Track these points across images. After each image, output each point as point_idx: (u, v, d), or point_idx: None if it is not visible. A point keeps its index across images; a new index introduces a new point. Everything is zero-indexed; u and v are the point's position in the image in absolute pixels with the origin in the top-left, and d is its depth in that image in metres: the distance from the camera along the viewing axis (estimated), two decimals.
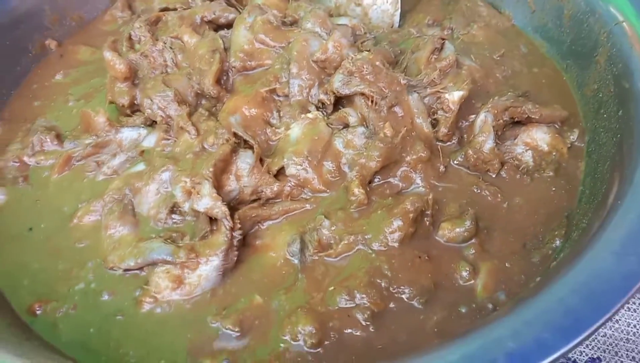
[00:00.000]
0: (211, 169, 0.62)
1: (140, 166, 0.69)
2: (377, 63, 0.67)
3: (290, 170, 0.65)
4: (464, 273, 0.57)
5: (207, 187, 0.61)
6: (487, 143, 0.65)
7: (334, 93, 0.68)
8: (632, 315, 0.65)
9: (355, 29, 0.81)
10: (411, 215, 0.59)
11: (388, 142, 0.63)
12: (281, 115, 0.71)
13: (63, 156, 0.72)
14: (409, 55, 0.75)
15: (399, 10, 0.89)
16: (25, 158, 0.73)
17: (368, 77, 0.66)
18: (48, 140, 0.74)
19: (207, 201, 0.60)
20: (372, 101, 0.66)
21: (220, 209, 0.59)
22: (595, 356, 0.64)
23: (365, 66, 0.66)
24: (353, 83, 0.66)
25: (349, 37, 0.75)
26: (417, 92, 0.69)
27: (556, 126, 0.70)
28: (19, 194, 0.70)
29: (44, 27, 0.88)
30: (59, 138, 0.75)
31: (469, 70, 0.73)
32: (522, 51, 0.82)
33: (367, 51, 0.70)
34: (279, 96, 0.71)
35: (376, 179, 0.65)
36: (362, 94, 0.66)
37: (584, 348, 0.64)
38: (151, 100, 0.71)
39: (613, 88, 0.64)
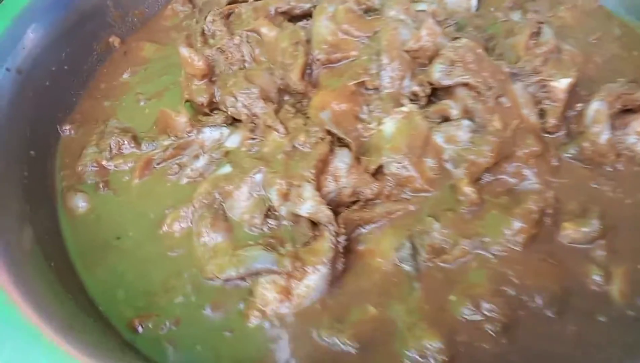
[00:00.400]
0: (313, 171, 0.58)
1: (227, 168, 0.66)
2: (479, 51, 0.63)
3: (390, 168, 0.61)
4: (596, 278, 0.53)
5: (310, 189, 0.57)
6: (603, 133, 0.61)
7: (432, 84, 0.64)
8: None
9: (436, 15, 0.77)
10: (534, 216, 0.54)
11: (500, 135, 0.59)
12: (371, 109, 0.66)
13: (143, 159, 0.69)
14: (502, 40, 0.70)
15: None
16: (104, 162, 0.70)
17: (471, 66, 0.62)
18: (125, 142, 0.71)
19: (310, 204, 0.56)
20: (477, 92, 0.61)
21: (324, 214, 0.56)
22: None
23: (468, 54, 0.61)
24: (456, 73, 0.61)
25: (437, 27, 0.71)
26: (521, 81, 0.64)
27: None
28: (101, 201, 0.67)
29: (108, 24, 0.84)
30: (136, 139, 0.71)
31: (570, 55, 0.68)
32: (615, 33, 0.77)
33: (464, 37, 0.65)
34: (368, 89, 0.67)
35: (485, 177, 0.61)
36: (466, 84, 0.62)
37: None
38: (235, 98, 0.67)
39: None
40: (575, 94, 0.66)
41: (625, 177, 0.61)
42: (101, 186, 0.68)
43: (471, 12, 0.83)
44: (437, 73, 0.62)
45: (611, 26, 0.78)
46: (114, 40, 0.85)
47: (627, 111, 0.65)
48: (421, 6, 0.78)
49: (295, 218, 0.59)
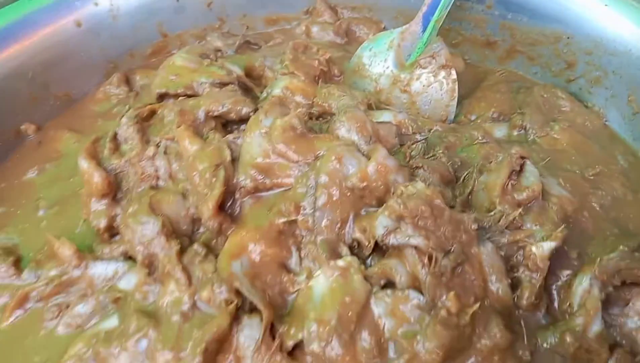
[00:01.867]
0: (199, 358, 0.44)
1: (113, 321, 0.52)
2: (438, 202, 0.49)
3: (313, 347, 0.46)
4: None
5: None
6: (593, 325, 0.46)
7: (375, 239, 0.50)
8: None
9: (402, 127, 0.64)
10: None
11: (453, 324, 0.44)
12: (302, 256, 0.53)
13: (19, 295, 0.55)
14: (476, 175, 0.57)
15: (456, 100, 0.71)
16: None
17: (424, 223, 0.48)
18: (3, 269, 0.57)
19: None
20: (429, 258, 0.47)
21: None
22: None
23: (421, 208, 0.48)
24: (403, 232, 0.47)
25: (394, 139, 0.58)
26: (491, 241, 0.50)
27: None
28: None
29: (24, 107, 0.72)
30: (18, 265, 0.58)
31: (559, 202, 0.54)
32: (621, 164, 0.63)
33: (422, 181, 0.51)
34: (299, 231, 0.53)
35: None
36: (416, 247, 0.47)
37: None
38: (132, 231, 0.53)
39: None
40: (562, 255, 0.52)
41: None
42: None
43: (446, 125, 0.70)
44: (381, 229, 0.48)
45: (615, 153, 0.64)
46: (28, 127, 0.73)
47: (629, 284, 0.50)
48: (385, 116, 0.65)
49: None
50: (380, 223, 0.48)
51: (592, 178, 0.60)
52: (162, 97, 0.69)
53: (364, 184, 0.52)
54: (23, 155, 0.72)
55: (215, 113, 0.63)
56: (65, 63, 0.75)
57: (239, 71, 0.73)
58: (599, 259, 0.48)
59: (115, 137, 0.62)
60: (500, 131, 0.68)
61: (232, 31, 0.86)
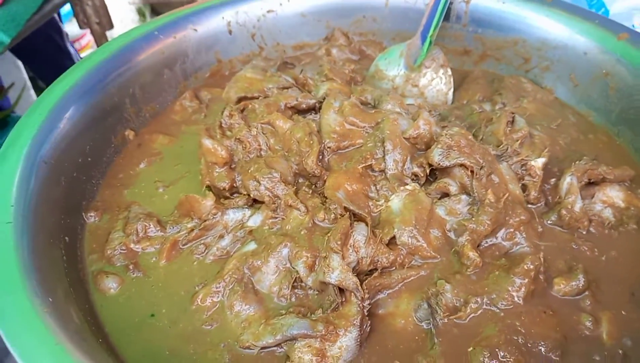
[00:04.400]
0: (339, 242, 0.65)
1: (252, 245, 0.72)
2: (470, 137, 0.74)
3: (403, 239, 0.69)
4: (588, 324, 0.61)
5: (337, 260, 0.64)
6: (577, 203, 0.72)
7: (431, 165, 0.74)
8: None
9: (421, 107, 0.89)
10: (532, 273, 0.63)
11: (495, 207, 0.69)
12: (379, 189, 0.76)
13: (170, 241, 0.74)
14: (483, 128, 0.83)
15: (452, 89, 0.98)
16: (132, 245, 0.75)
17: (465, 149, 0.73)
18: (151, 226, 0.76)
19: (338, 273, 0.63)
20: (471, 171, 0.72)
21: (352, 281, 0.63)
22: None
23: (462, 140, 0.73)
24: (452, 156, 0.72)
25: (432, 118, 0.83)
26: (505, 161, 0.76)
27: (626, 184, 0.77)
28: (132, 282, 0.71)
29: (125, 119, 0.92)
30: (160, 223, 0.77)
31: (540, 139, 0.81)
32: (571, 120, 0.91)
33: (455, 126, 0.77)
34: (374, 171, 0.77)
35: (484, 243, 0.70)
36: (462, 165, 0.72)
37: None
38: (258, 182, 0.75)
39: None
40: (548, 171, 0.78)
41: (598, 238, 0.72)
42: (131, 268, 0.72)
43: (449, 105, 0.97)
44: (437, 156, 0.73)
45: (566, 114, 0.93)
46: (129, 133, 0.93)
47: (591, 183, 0.77)
48: (409, 101, 0.91)
49: (322, 286, 0.65)
50: (437, 153, 0.73)
51: (555, 127, 0.88)
52: (240, 100, 0.91)
53: (417, 133, 0.77)
54: (129, 153, 0.91)
55: (291, 104, 0.86)
56: (153, 83, 0.97)
57: (291, 80, 0.97)
58: (574, 163, 0.75)
59: (221, 125, 0.84)
60: (486, 107, 0.95)
61: (268, 56, 1.11)
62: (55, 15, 2.08)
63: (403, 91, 0.99)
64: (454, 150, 0.73)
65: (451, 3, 1.03)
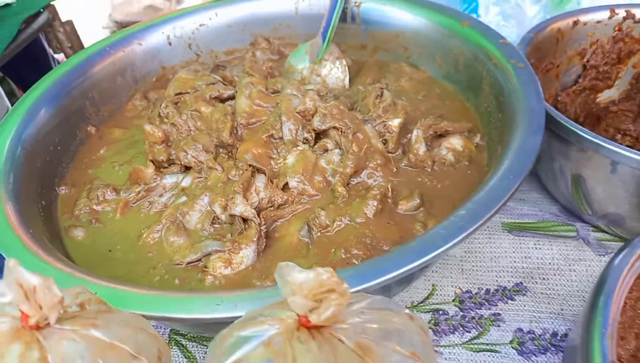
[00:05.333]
0: (241, 187, 0.90)
1: (184, 198, 0.96)
2: (341, 107, 1.00)
3: (292, 184, 0.94)
4: (419, 227, 0.86)
5: (240, 198, 0.89)
6: (421, 148, 0.97)
7: (315, 130, 0.99)
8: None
9: (320, 91, 1.15)
10: (379, 196, 0.88)
11: (357, 155, 0.94)
12: (279, 151, 1.01)
13: (123, 201, 0.99)
14: (360, 102, 1.08)
15: (348, 76, 1.24)
16: (94, 206, 0.99)
17: (337, 116, 0.98)
18: (108, 192, 1.00)
19: (240, 207, 0.88)
20: (341, 132, 0.97)
21: (250, 211, 0.87)
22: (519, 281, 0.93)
23: (334, 110, 0.98)
24: (327, 121, 0.98)
25: (316, 96, 1.08)
26: (370, 123, 1.01)
27: (465, 134, 1.03)
28: (94, 230, 0.95)
29: (86, 117, 1.16)
30: (116, 190, 1.01)
31: (402, 106, 1.06)
32: (437, 91, 1.17)
33: (333, 101, 1.02)
34: (275, 138, 1.02)
35: (352, 181, 0.95)
36: (334, 127, 0.98)
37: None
38: (186, 152, 0.99)
39: (495, 103, 0.98)
40: (406, 130, 1.03)
41: (438, 173, 0.97)
42: (93, 222, 0.97)
43: (345, 89, 1.22)
44: (317, 122, 0.98)
45: (433, 87, 1.18)
46: (91, 129, 1.17)
47: (441, 136, 1.03)
48: (309, 87, 1.16)
49: (232, 219, 0.90)
50: (316, 120, 0.98)
51: (421, 98, 1.14)
52: (177, 95, 1.16)
53: (304, 108, 1.02)
54: (92, 143, 1.15)
55: (215, 95, 1.11)
56: (109, 89, 1.21)
57: (219, 78, 1.22)
58: (420, 120, 1.00)
59: (159, 115, 1.08)
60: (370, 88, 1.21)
61: (204, 62, 1.36)
62: (44, 41, 2.30)
63: (309, 80, 1.25)
64: (328, 117, 0.98)
65: (345, 8, 1.29)
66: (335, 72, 1.24)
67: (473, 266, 0.97)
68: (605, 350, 0.60)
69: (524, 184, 1.05)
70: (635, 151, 0.86)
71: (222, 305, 0.65)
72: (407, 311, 0.52)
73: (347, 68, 1.24)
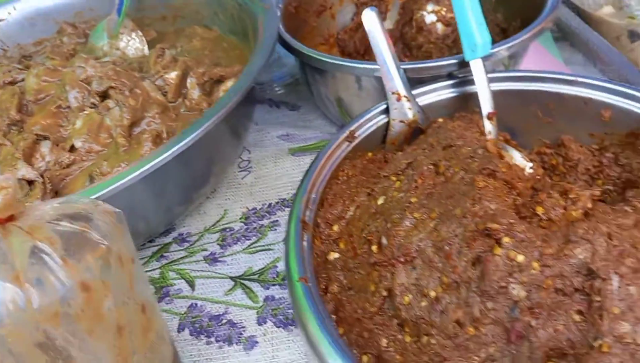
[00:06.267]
0: (22, 153, 0.98)
1: None
2: (118, 69, 1.09)
3: (77, 144, 1.02)
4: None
5: (20, 163, 0.96)
6: (195, 93, 1.08)
7: (97, 93, 1.08)
8: None
9: (116, 63, 1.23)
10: (150, 138, 0.98)
11: (132, 107, 1.04)
12: (69, 119, 1.09)
13: None
14: (146, 64, 1.18)
15: (146, 45, 1.33)
16: None
17: (113, 77, 1.07)
18: None
19: (22, 171, 0.95)
20: (118, 90, 1.06)
21: (32, 173, 0.95)
22: None
23: (109, 72, 1.07)
24: (104, 83, 1.06)
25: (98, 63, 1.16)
26: (149, 79, 1.11)
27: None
28: None
29: None
30: None
31: (182, 61, 1.16)
32: (223, 45, 1.29)
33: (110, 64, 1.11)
34: (64, 108, 1.09)
35: (135, 131, 1.05)
36: (112, 87, 1.07)
37: None
38: None
39: (254, 44, 1.11)
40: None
41: None
42: None
43: (144, 57, 1.31)
44: (95, 85, 1.07)
45: (221, 43, 1.30)
46: None
47: (218, 81, 1.14)
48: (106, 59, 1.25)
49: (21, 185, 0.97)
50: (94, 83, 1.07)
51: (207, 53, 1.25)
52: None
53: (85, 76, 1.10)
54: None
55: (8, 80, 1.17)
56: None
57: (20, 66, 1.27)
58: (193, 69, 1.11)
59: None
60: (168, 52, 1.30)
61: (12, 55, 1.40)
62: None
63: (110, 55, 1.33)
64: (104, 79, 1.07)
65: None
66: (133, 43, 1.32)
67: (260, 188, 1.10)
68: (299, 213, 0.74)
69: (309, 113, 1.20)
70: (370, 62, 1.00)
71: None
72: (92, 200, 0.63)
73: (144, 38, 1.33)
